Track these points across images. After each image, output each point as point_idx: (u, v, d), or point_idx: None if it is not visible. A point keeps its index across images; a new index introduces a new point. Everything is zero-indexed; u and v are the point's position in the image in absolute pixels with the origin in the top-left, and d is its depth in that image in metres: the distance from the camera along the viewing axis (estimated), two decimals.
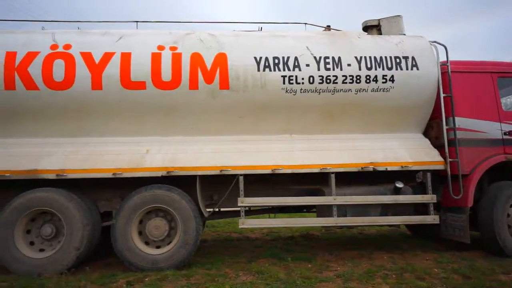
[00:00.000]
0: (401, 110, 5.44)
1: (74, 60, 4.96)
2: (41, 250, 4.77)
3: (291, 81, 5.17)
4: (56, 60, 4.94)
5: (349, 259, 5.23)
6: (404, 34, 5.78)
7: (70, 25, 5.70)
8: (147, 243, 4.87)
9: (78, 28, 5.52)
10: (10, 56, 4.90)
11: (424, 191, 5.31)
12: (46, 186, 4.75)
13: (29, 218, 4.77)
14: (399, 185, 5.20)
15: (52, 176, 4.73)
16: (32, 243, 4.78)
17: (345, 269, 4.67)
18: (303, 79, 5.19)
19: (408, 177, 5.48)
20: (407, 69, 5.35)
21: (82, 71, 4.94)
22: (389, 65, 5.34)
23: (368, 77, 5.28)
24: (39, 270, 4.53)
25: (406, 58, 5.39)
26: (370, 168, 5.11)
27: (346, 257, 5.37)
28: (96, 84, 4.94)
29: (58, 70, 4.90)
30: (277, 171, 5.00)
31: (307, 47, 5.35)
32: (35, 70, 4.88)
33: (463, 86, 5.52)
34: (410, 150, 5.32)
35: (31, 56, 4.91)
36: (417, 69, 5.38)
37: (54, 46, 5.02)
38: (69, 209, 4.67)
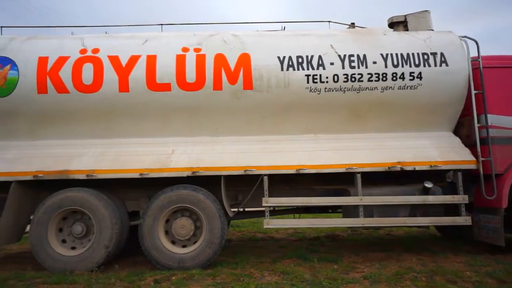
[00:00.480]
0: (430, 108, 5.28)
1: (102, 64, 5.10)
2: (73, 248, 4.94)
3: (315, 80, 5.12)
4: (85, 64, 5.10)
5: (376, 260, 5.13)
6: (432, 30, 5.61)
7: (98, 30, 5.87)
8: (173, 242, 4.94)
9: (106, 33, 5.68)
10: (43, 61, 5.10)
11: (455, 192, 5.13)
12: (76, 186, 4.91)
13: (61, 217, 4.94)
14: (428, 185, 5.05)
15: (82, 177, 4.88)
16: (64, 241, 4.96)
17: (372, 271, 4.58)
18: (327, 77, 5.13)
19: (437, 177, 5.31)
20: (435, 65, 5.19)
21: (110, 74, 5.07)
22: (417, 62, 5.20)
23: (394, 75, 5.16)
24: (71, 267, 4.69)
25: (434, 54, 5.23)
26: (398, 167, 4.98)
27: (373, 258, 5.26)
28: (123, 86, 5.06)
29: (87, 73, 5.06)
30: (301, 171, 4.96)
31: (331, 45, 5.28)
32: (65, 74, 5.05)
33: (496, 82, 5.30)
34: (439, 149, 5.15)
35: (62, 61, 5.09)
36: (447, 65, 5.21)
37: (83, 51, 5.19)
38: (99, 208, 4.81)
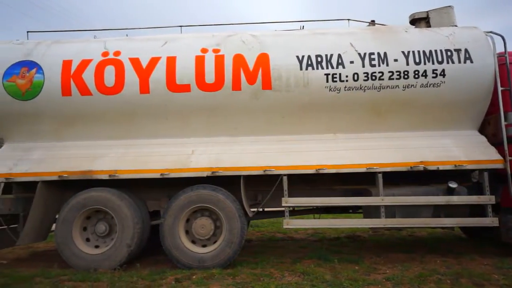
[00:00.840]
0: (454, 106, 5.14)
1: (123, 66, 5.20)
2: (96, 246, 5.05)
3: (334, 79, 5.07)
4: (107, 66, 5.20)
5: (398, 262, 5.03)
6: (456, 26, 5.45)
7: (120, 33, 5.98)
8: (193, 242, 4.98)
9: (127, 35, 5.78)
10: (67, 64, 5.23)
11: (481, 192, 4.97)
12: (99, 186, 5.02)
13: (85, 216, 5.07)
14: (453, 185, 4.91)
15: (105, 177, 4.98)
16: (88, 240, 5.08)
17: (395, 272, 4.49)
18: (347, 76, 5.06)
19: (461, 177, 5.16)
20: (459, 62, 5.05)
21: (131, 76, 5.16)
22: (440, 59, 5.07)
23: (416, 72, 5.05)
24: (94, 265, 4.80)
25: (458, 50, 5.09)
26: (421, 167, 4.87)
27: (396, 259, 5.16)
28: (144, 88, 5.14)
29: (109, 75, 5.16)
30: (321, 171, 4.92)
31: (350, 43, 5.22)
32: (88, 76, 5.17)
33: None
34: (464, 148, 5.01)
35: (85, 64, 5.21)
36: (471, 62, 5.06)
37: (105, 53, 5.30)
38: (121, 207, 4.90)
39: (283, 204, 4.97)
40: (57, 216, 5.12)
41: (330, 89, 5.08)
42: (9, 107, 5.19)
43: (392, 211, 4.95)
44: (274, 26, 14.80)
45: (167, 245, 4.86)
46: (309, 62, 5.13)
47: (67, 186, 5.21)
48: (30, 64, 5.25)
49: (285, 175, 4.97)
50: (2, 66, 5.22)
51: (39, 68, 5.23)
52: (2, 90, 5.16)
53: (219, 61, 5.17)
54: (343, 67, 5.08)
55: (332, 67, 5.09)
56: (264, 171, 4.94)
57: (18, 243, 5.03)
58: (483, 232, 5.87)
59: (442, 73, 5.05)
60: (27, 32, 5.79)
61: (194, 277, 4.43)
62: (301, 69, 5.11)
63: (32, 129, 5.34)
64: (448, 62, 5.06)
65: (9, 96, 5.16)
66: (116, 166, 5.04)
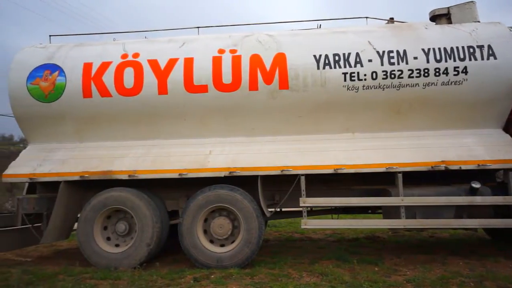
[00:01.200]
0: (476, 104, 5.01)
1: (142, 68, 5.27)
2: (116, 245, 5.14)
3: (352, 78, 5.02)
4: (126, 68, 5.29)
5: (419, 263, 4.93)
6: (478, 21, 5.31)
7: (138, 35, 6.08)
8: (212, 241, 5.01)
9: (145, 37, 5.87)
10: (87, 66, 5.35)
11: (506, 192, 4.82)
12: (119, 186, 5.11)
13: (106, 215, 5.16)
14: (476, 185, 4.77)
15: (125, 177, 5.06)
16: (108, 239, 5.17)
17: (416, 274, 4.40)
18: (365, 75, 5.00)
19: (485, 177, 5.02)
20: (482, 59, 4.92)
21: (149, 78, 5.23)
22: (462, 56, 4.95)
23: (437, 70, 4.94)
24: (115, 263, 4.88)
25: (481, 47, 4.95)
26: (442, 167, 4.76)
27: (416, 261, 5.06)
28: (162, 89, 5.20)
29: (128, 77, 5.25)
30: (339, 171, 4.87)
31: (368, 41, 5.15)
32: (108, 78, 5.27)
33: None
34: (487, 147, 4.87)
35: (105, 66, 5.32)
36: (495, 58, 4.92)
37: (124, 55, 5.39)
38: (140, 207, 4.97)
39: (301, 204, 4.94)
40: (79, 215, 5.24)
41: (348, 88, 5.03)
42: (32, 109, 5.34)
43: (412, 212, 4.85)
44: (290, 25, 14.77)
45: (185, 245, 4.90)
46: (327, 61, 5.09)
47: (89, 186, 5.33)
48: (53, 67, 5.39)
49: (302, 175, 4.94)
50: (26, 70, 5.38)
51: (61, 71, 5.36)
52: (26, 92, 5.31)
53: (236, 61, 5.18)
54: (361, 65, 5.02)
55: (350, 66, 5.03)
56: (282, 171, 4.92)
57: (41, 242, 5.16)
58: (508, 234, 5.68)
59: (464, 71, 4.92)
60: (50, 36, 5.96)
61: (212, 276, 4.45)
62: (318, 68, 5.07)
63: (54, 130, 5.48)
64: (470, 59, 4.93)
65: (32, 98, 5.31)
66: (136, 166, 5.12)
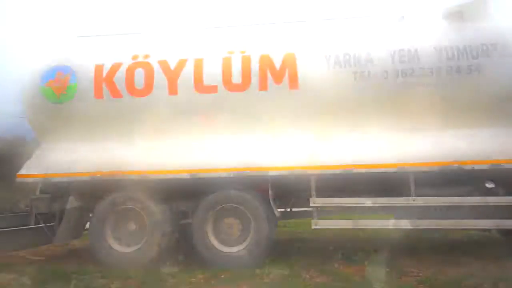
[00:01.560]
0: (491, 102, 4.90)
1: (152, 68, 5.30)
2: (128, 245, 5.17)
3: (363, 77, 4.96)
4: (137, 69, 5.32)
5: (431, 264, 4.85)
6: (492, 18, 5.20)
7: (149, 35, 6.09)
8: (222, 241, 5.02)
9: (156, 38, 5.88)
10: (99, 68, 5.39)
11: None
12: (129, 186, 5.13)
13: (117, 215, 5.20)
14: (490, 185, 4.70)
15: (135, 177, 5.10)
16: (120, 238, 5.21)
17: (428, 275, 4.35)
18: (376, 74, 4.95)
19: (499, 176, 4.93)
20: (497, 56, 4.81)
21: (160, 78, 5.25)
22: (475, 54, 4.86)
23: (449, 68, 4.86)
24: (126, 263, 4.92)
25: (495, 44, 4.85)
26: (455, 166, 4.69)
27: (428, 262, 4.99)
28: (172, 89, 5.23)
29: (139, 78, 5.28)
30: (350, 171, 4.83)
31: (379, 40, 5.10)
32: (119, 79, 5.30)
33: None
34: (502, 147, 4.77)
35: (116, 67, 5.36)
36: (510, 55, 4.81)
37: (135, 56, 5.42)
38: (150, 206, 5.00)
39: (311, 205, 4.93)
40: (91, 215, 5.29)
41: (358, 88, 4.98)
42: (45, 110, 5.42)
43: (424, 212, 4.79)
44: (300, 25, 14.63)
45: (195, 244, 4.92)
46: (337, 61, 5.05)
47: (100, 186, 5.37)
48: (65, 69, 5.45)
49: (313, 175, 4.91)
50: (39, 71, 5.45)
51: (73, 72, 5.42)
52: (39, 94, 5.38)
53: (246, 62, 5.17)
54: (372, 64, 4.97)
55: (361, 65, 4.99)
56: (292, 171, 4.90)
57: (54, 241, 5.23)
58: None
59: (477, 69, 4.84)
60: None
61: (222, 276, 4.47)
62: (328, 68, 5.04)
63: (66, 131, 5.53)
64: (484, 57, 4.84)
65: (45, 99, 5.38)
66: (146, 166, 5.15)
